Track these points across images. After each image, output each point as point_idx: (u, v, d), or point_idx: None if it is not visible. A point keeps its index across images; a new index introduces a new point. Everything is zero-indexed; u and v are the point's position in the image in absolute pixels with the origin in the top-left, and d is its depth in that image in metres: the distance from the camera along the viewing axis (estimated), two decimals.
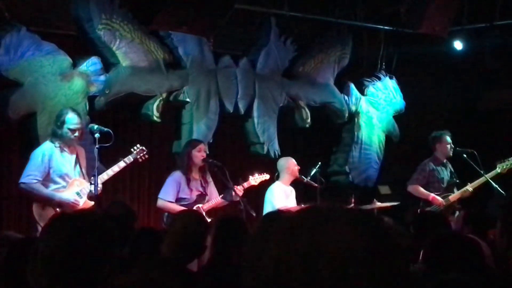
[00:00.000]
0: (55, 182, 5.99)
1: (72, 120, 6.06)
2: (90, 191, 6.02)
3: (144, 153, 6.62)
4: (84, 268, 2.25)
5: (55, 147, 6.02)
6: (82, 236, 2.26)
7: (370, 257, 1.09)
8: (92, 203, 6.06)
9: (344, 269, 1.07)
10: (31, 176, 5.89)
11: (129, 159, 6.44)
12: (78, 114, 6.20)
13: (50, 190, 5.96)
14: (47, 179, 5.96)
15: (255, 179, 7.14)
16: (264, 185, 7.36)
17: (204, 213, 6.68)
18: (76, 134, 6.06)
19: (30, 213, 6.03)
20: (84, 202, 6.04)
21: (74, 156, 6.14)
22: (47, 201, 5.91)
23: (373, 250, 1.10)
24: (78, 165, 6.12)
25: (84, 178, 6.11)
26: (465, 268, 2.95)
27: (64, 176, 6.03)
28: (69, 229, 2.27)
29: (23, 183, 5.92)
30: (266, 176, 7.26)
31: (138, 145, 6.63)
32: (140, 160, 6.62)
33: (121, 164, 6.36)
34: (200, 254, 3.75)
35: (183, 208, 6.35)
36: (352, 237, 1.10)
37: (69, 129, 6.02)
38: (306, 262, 1.08)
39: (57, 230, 2.29)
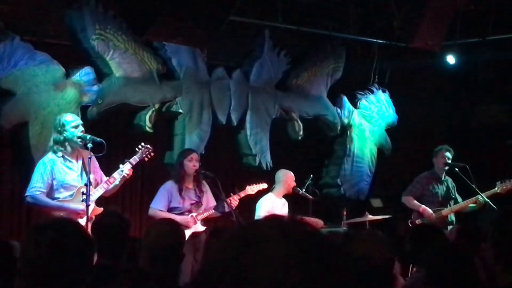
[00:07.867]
0: (60, 192, 5.83)
1: (71, 119, 5.94)
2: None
3: (150, 151, 6.34)
4: (63, 277, 2.25)
5: (58, 157, 5.84)
6: (60, 245, 2.27)
7: (307, 276, 1.02)
8: (101, 209, 5.90)
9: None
10: (34, 188, 5.76)
11: (135, 159, 6.17)
12: (73, 113, 6.16)
13: (57, 201, 5.78)
14: (51, 190, 5.80)
15: (252, 188, 7.11)
16: (260, 195, 7.34)
17: (198, 222, 6.69)
18: (81, 129, 5.89)
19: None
20: (93, 209, 5.81)
21: (80, 162, 5.94)
22: (56, 212, 5.67)
23: (311, 267, 1.03)
24: (84, 171, 5.86)
25: (91, 184, 5.82)
26: (461, 281, 2.96)
27: (69, 185, 5.84)
28: (47, 238, 2.28)
29: (28, 196, 5.79)
30: (264, 185, 7.23)
31: (142, 144, 6.35)
32: (146, 159, 6.36)
33: (127, 166, 6.11)
34: (178, 264, 3.69)
35: (173, 215, 6.29)
36: (285, 255, 1.03)
37: (73, 127, 5.86)
38: (237, 282, 1.03)
39: (35, 239, 2.29)
